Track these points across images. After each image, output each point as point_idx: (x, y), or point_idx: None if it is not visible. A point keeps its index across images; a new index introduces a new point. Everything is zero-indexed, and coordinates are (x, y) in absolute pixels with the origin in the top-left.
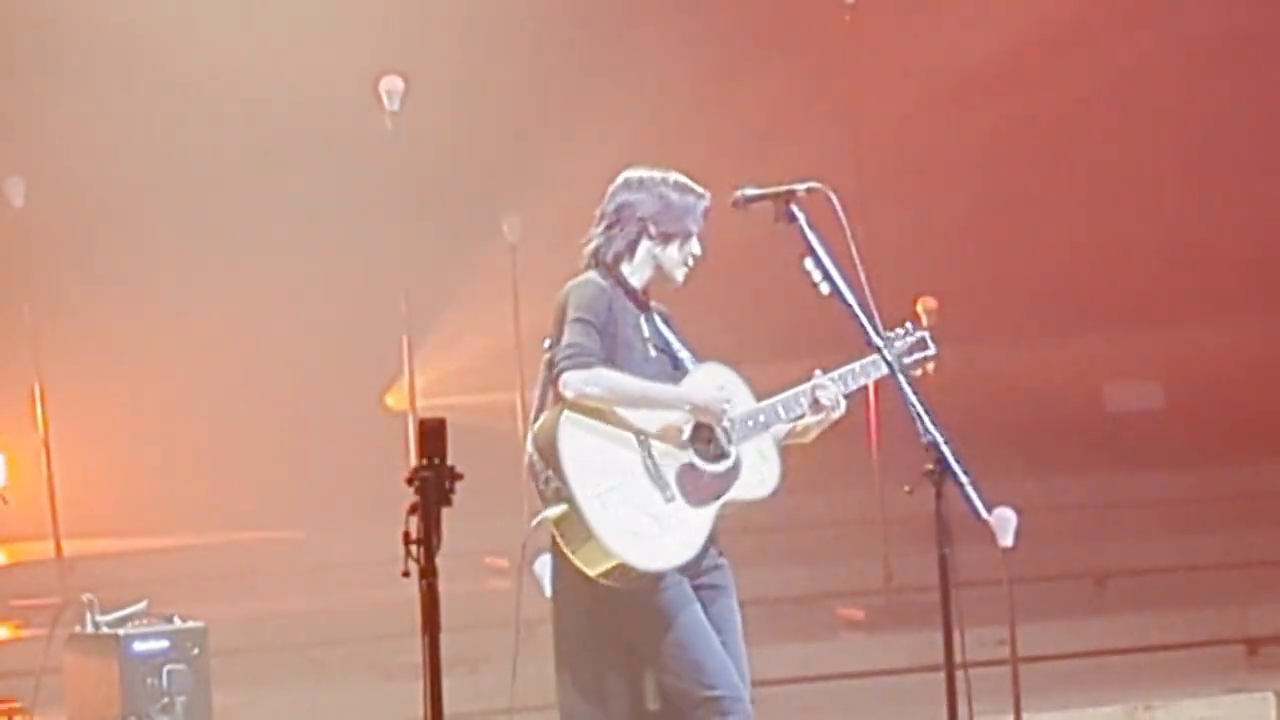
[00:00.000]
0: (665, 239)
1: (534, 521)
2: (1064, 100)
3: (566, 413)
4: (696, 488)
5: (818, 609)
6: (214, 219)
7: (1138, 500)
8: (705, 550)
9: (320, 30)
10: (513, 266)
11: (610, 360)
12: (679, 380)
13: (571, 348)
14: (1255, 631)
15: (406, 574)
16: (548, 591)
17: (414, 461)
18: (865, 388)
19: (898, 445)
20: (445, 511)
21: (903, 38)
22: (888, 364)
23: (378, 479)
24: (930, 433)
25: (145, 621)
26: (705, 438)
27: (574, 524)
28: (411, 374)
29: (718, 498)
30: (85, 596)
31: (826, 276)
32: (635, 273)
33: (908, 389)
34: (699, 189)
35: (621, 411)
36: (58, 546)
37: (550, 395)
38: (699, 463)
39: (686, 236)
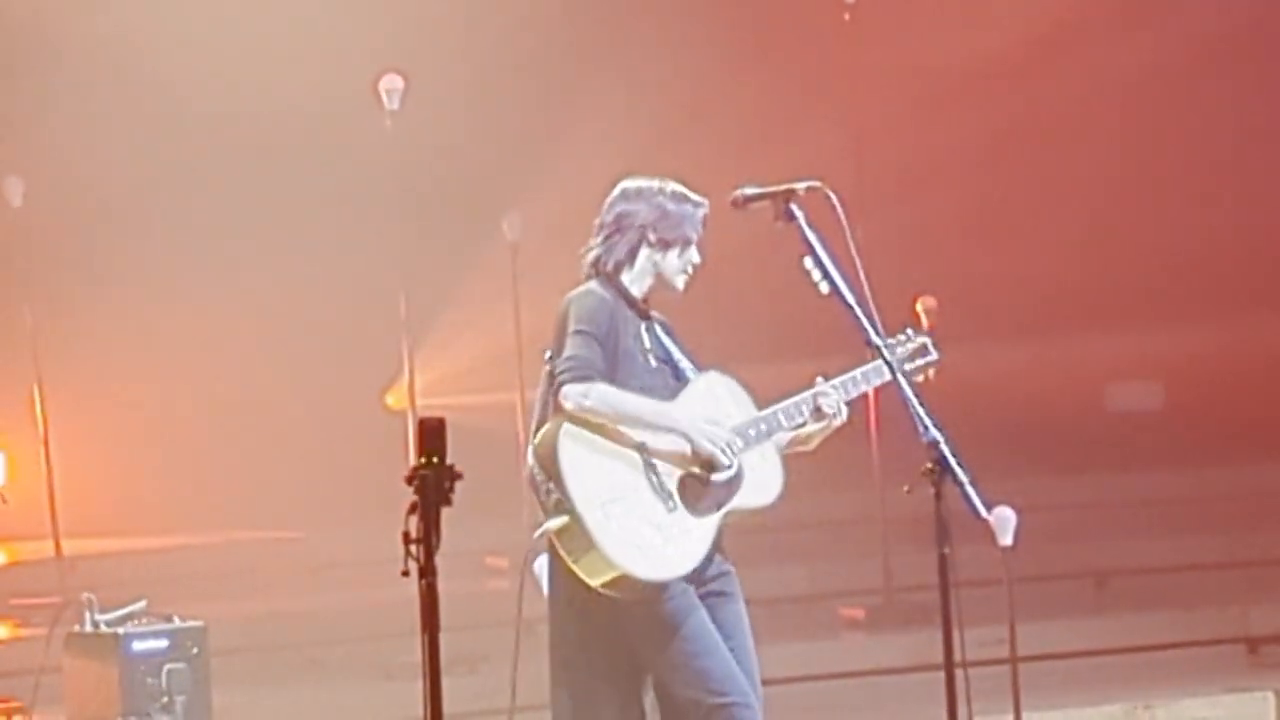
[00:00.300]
0: (664, 246)
1: (536, 533)
2: (1064, 100)
3: (566, 425)
4: (699, 497)
5: (818, 608)
6: (214, 218)
7: (1138, 500)
8: (710, 559)
9: (320, 30)
10: (513, 266)
11: (611, 371)
12: (680, 391)
13: (572, 360)
14: (1255, 631)
15: (406, 573)
16: (547, 591)
17: (414, 461)
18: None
19: (898, 445)
20: (445, 511)
21: (903, 38)
22: (887, 364)
23: (377, 478)
24: (930, 432)
25: (145, 621)
26: None
27: (576, 535)
28: (411, 374)
29: (720, 507)
30: (85, 596)
31: (826, 276)
32: (635, 281)
33: (907, 389)
34: (696, 197)
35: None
36: (57, 546)
37: (551, 407)
38: (701, 472)
39: (685, 244)
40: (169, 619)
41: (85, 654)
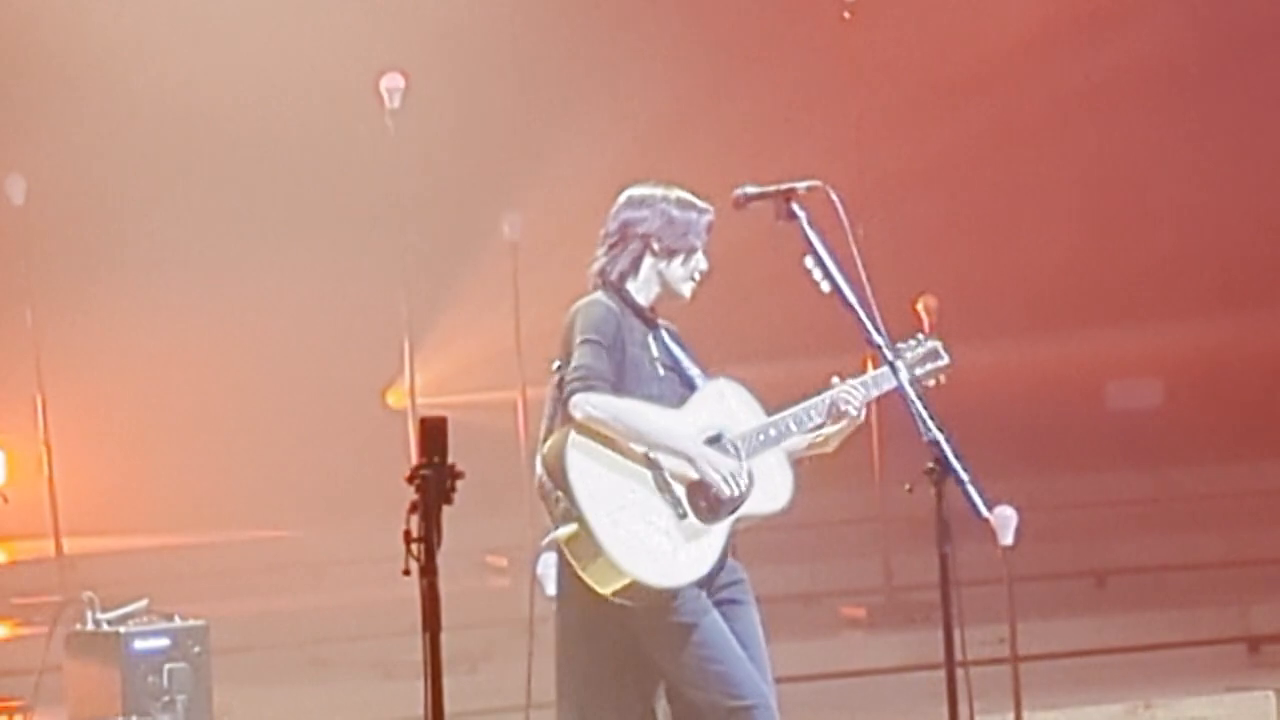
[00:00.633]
0: (669, 255)
1: (544, 541)
2: (1064, 99)
3: (574, 434)
4: (709, 503)
5: (819, 607)
6: (214, 218)
7: (1139, 498)
8: (722, 564)
9: (321, 30)
10: (513, 265)
11: (619, 379)
12: (688, 399)
13: (581, 369)
14: (1256, 630)
15: (407, 572)
16: (549, 590)
17: (415, 460)
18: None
19: (898, 444)
20: (446, 510)
21: (903, 38)
22: (888, 363)
23: (378, 477)
24: (931, 431)
25: (146, 619)
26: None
27: (585, 543)
28: (411, 373)
29: (731, 513)
30: (85, 594)
31: (827, 275)
32: (641, 290)
33: (908, 389)
34: (701, 204)
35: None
36: (58, 544)
37: (560, 416)
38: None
39: (690, 252)
40: (170, 618)
41: (86, 653)
